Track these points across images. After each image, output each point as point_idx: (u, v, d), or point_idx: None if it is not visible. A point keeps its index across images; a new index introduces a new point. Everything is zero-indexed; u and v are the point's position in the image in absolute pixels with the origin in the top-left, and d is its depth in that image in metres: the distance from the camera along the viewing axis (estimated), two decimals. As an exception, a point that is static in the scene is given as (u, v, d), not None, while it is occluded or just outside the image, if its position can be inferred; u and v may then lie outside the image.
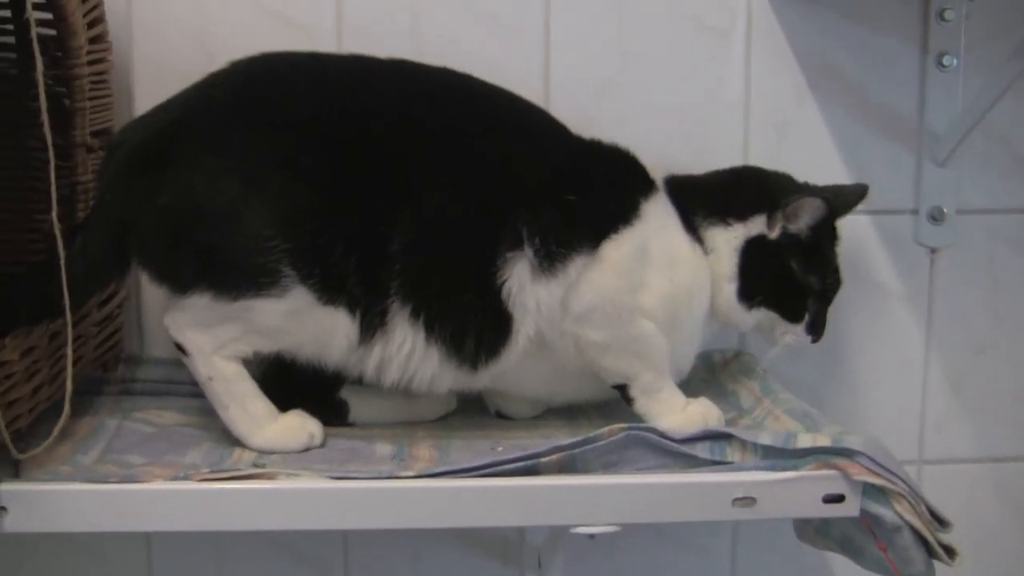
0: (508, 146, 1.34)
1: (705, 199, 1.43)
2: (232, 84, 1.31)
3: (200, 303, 1.26)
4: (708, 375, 1.60)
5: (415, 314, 1.28)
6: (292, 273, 1.24)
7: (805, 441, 1.22)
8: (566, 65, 1.64)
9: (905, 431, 1.75)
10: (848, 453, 1.21)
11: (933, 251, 1.72)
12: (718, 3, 1.64)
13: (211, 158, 1.25)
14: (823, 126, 1.67)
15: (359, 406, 1.42)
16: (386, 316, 1.28)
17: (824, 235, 1.42)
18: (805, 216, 1.39)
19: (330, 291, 1.26)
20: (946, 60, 1.65)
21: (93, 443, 1.32)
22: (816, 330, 1.44)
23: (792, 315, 1.43)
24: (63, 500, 1.17)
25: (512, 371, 1.34)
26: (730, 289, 1.41)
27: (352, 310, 1.27)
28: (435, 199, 1.29)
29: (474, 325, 1.30)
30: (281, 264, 1.24)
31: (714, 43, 1.65)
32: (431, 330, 1.29)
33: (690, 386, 1.47)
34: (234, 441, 1.31)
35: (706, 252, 1.41)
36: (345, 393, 1.41)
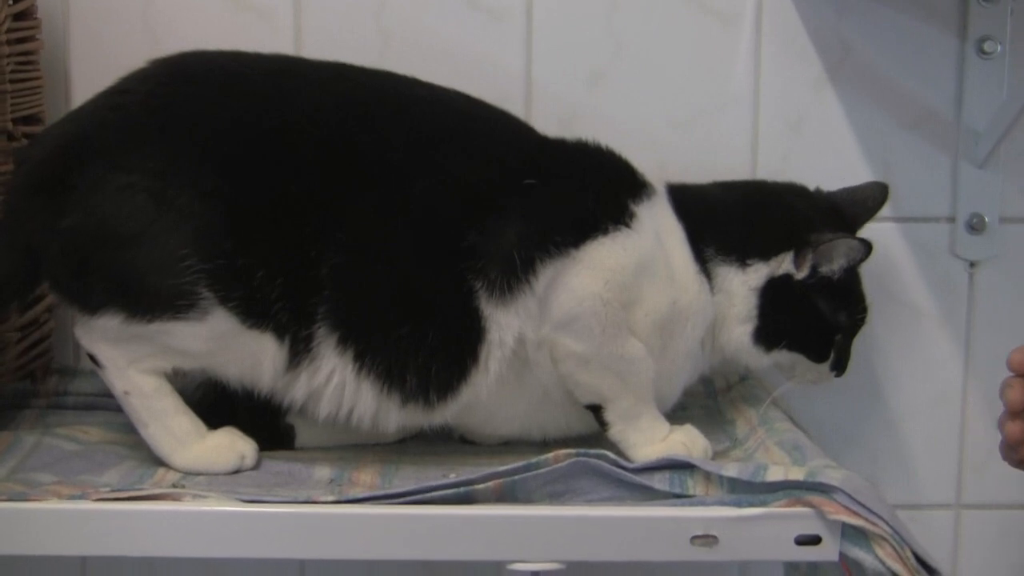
0: (455, 156, 1.33)
1: (719, 231, 1.42)
2: (143, 91, 1.33)
3: (111, 324, 1.28)
4: (709, 401, 1.59)
5: (342, 343, 1.28)
6: (210, 295, 1.25)
7: (776, 474, 1.19)
8: (550, 53, 1.64)
9: (941, 471, 1.72)
10: (824, 489, 1.18)
11: (972, 265, 1.69)
12: (725, -18, 1.64)
13: (118, 174, 1.26)
14: (844, 121, 1.66)
15: (306, 431, 1.42)
16: (311, 343, 1.28)
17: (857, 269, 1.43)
18: (840, 259, 1.39)
19: (254, 315, 1.27)
20: (988, 46, 1.63)
21: (3, 460, 1.33)
22: (841, 366, 1.45)
23: (818, 356, 1.43)
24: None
25: (481, 405, 1.34)
26: (743, 331, 1.41)
27: (280, 335, 1.28)
28: (368, 219, 1.29)
29: (416, 360, 1.29)
30: (198, 286, 1.25)
31: (719, 28, 1.65)
32: (361, 362, 1.28)
33: (689, 412, 1.48)
34: (160, 461, 1.32)
35: (712, 291, 1.40)
36: (292, 417, 1.41)
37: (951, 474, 1.72)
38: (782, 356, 1.43)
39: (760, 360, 1.43)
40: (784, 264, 1.40)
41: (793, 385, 1.46)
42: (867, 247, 1.38)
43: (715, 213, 1.44)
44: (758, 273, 1.40)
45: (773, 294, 1.40)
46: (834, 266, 1.39)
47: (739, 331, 1.41)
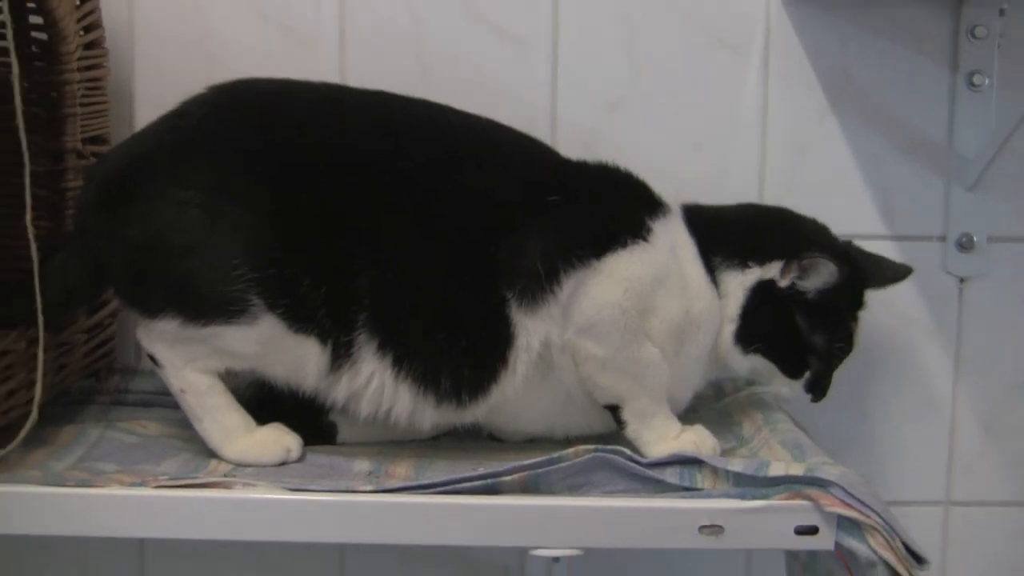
0: (486, 178, 1.35)
1: (727, 240, 1.43)
2: (200, 115, 1.35)
3: (169, 327, 1.30)
4: (718, 404, 1.59)
5: (382, 349, 1.29)
6: (259, 302, 1.27)
7: (777, 469, 1.21)
8: (574, 82, 1.65)
9: (931, 470, 1.72)
10: (821, 483, 1.19)
11: (962, 280, 1.69)
12: (735, 17, 1.65)
13: (177, 191, 1.28)
14: (845, 147, 1.66)
15: (347, 428, 1.43)
16: (352, 348, 1.29)
17: (841, 299, 1.41)
18: (815, 277, 1.38)
19: (300, 321, 1.28)
20: (977, 79, 1.63)
21: (70, 450, 1.36)
22: (816, 390, 1.43)
23: (790, 370, 1.42)
24: (20, 502, 1.21)
25: (509, 404, 1.35)
26: (729, 329, 1.41)
27: (323, 340, 1.29)
28: (405, 234, 1.30)
29: (450, 364, 1.30)
30: (248, 293, 1.27)
31: (730, 59, 1.65)
32: (399, 366, 1.30)
33: (699, 413, 1.48)
34: (212, 453, 1.34)
35: (719, 296, 1.41)
36: (334, 415, 1.42)
37: (940, 473, 1.72)
38: (757, 361, 1.41)
39: (739, 361, 1.42)
40: (772, 270, 1.40)
41: (773, 391, 1.47)
42: (842, 273, 1.37)
43: (727, 225, 1.45)
44: (752, 275, 1.41)
45: (757, 296, 1.40)
46: (809, 283, 1.38)
47: (727, 329, 1.41)
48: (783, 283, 1.39)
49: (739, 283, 1.41)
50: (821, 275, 1.38)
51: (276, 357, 1.31)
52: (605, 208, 1.37)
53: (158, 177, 1.30)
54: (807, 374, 1.42)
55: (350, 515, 1.21)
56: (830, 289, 1.39)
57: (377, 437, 1.42)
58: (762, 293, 1.40)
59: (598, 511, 1.22)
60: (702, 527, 1.20)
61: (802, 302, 1.39)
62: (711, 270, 1.41)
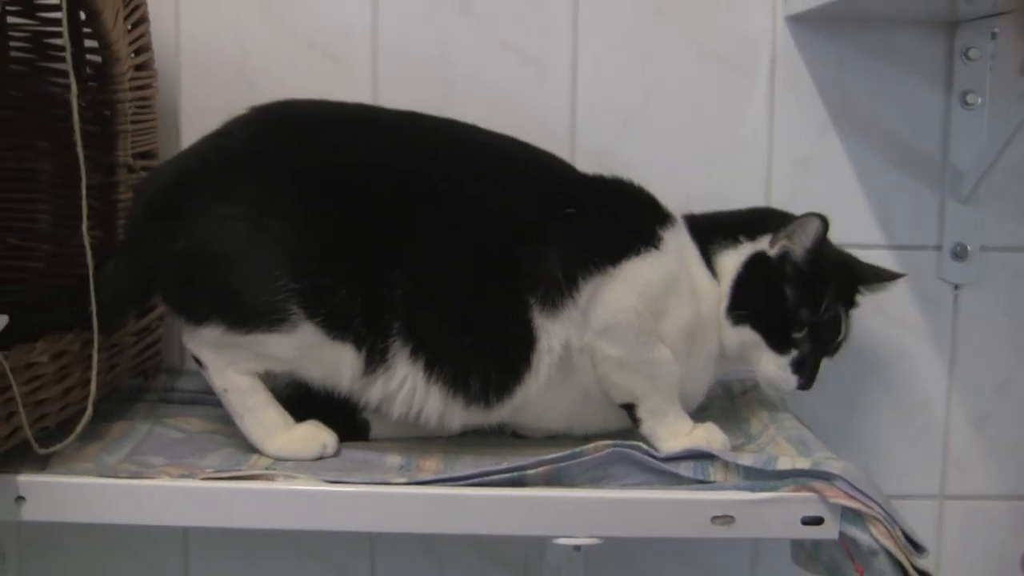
0: (510, 192, 1.36)
1: (722, 228, 1.44)
2: (243, 135, 1.36)
3: (214, 333, 1.31)
4: (727, 402, 1.60)
5: (414, 354, 1.30)
6: (299, 311, 1.28)
7: (785, 463, 1.22)
8: (592, 101, 1.66)
9: (926, 466, 1.72)
10: (826, 476, 1.21)
11: (956, 287, 1.69)
12: (741, 41, 1.65)
13: (222, 206, 1.30)
14: (845, 162, 1.67)
15: (379, 425, 1.44)
16: (387, 354, 1.30)
17: (829, 273, 1.39)
18: (802, 235, 1.37)
19: (337, 328, 1.29)
20: (970, 98, 1.63)
21: (121, 445, 1.37)
22: (803, 371, 1.39)
23: (776, 343, 1.39)
24: (76, 492, 1.23)
25: (532, 404, 1.35)
26: (723, 306, 1.40)
27: (359, 346, 1.30)
28: (436, 248, 1.31)
29: (478, 367, 1.31)
30: (289, 303, 1.28)
31: (737, 79, 1.66)
32: (431, 370, 1.31)
33: (709, 412, 1.48)
34: (253, 448, 1.35)
35: (717, 279, 1.41)
36: (367, 413, 1.43)
37: (935, 468, 1.72)
38: (746, 334, 1.39)
39: (729, 335, 1.40)
40: (763, 243, 1.41)
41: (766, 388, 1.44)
42: (825, 223, 1.35)
43: (722, 218, 1.47)
44: (744, 250, 1.41)
45: (749, 268, 1.40)
46: (796, 244, 1.38)
47: (721, 306, 1.40)
48: (773, 252, 1.40)
49: (732, 260, 1.41)
50: (808, 232, 1.37)
51: (313, 361, 1.32)
52: (619, 219, 1.38)
53: (205, 193, 1.31)
54: (794, 352, 1.38)
55: (386, 505, 1.23)
56: (817, 248, 1.37)
57: (408, 433, 1.42)
58: (753, 265, 1.40)
59: (617, 502, 1.23)
60: (714, 517, 1.21)
61: (793, 271, 1.38)
62: (709, 261, 1.41)
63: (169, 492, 1.23)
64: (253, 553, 1.73)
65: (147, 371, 1.59)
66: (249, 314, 1.29)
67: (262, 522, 1.26)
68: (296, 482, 1.24)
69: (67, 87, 1.43)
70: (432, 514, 1.23)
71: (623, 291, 1.32)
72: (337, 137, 1.36)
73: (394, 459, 1.35)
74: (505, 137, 1.42)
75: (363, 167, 1.33)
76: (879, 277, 1.48)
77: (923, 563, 1.20)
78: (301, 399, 1.39)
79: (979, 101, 1.63)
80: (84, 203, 1.29)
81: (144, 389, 1.58)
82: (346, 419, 1.41)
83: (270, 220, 1.29)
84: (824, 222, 1.36)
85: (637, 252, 1.33)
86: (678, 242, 1.39)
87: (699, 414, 1.41)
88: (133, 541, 1.71)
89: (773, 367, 1.39)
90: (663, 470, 1.25)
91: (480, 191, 1.35)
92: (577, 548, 1.23)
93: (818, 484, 1.20)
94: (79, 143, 1.27)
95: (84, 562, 1.72)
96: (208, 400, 1.53)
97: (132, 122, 1.48)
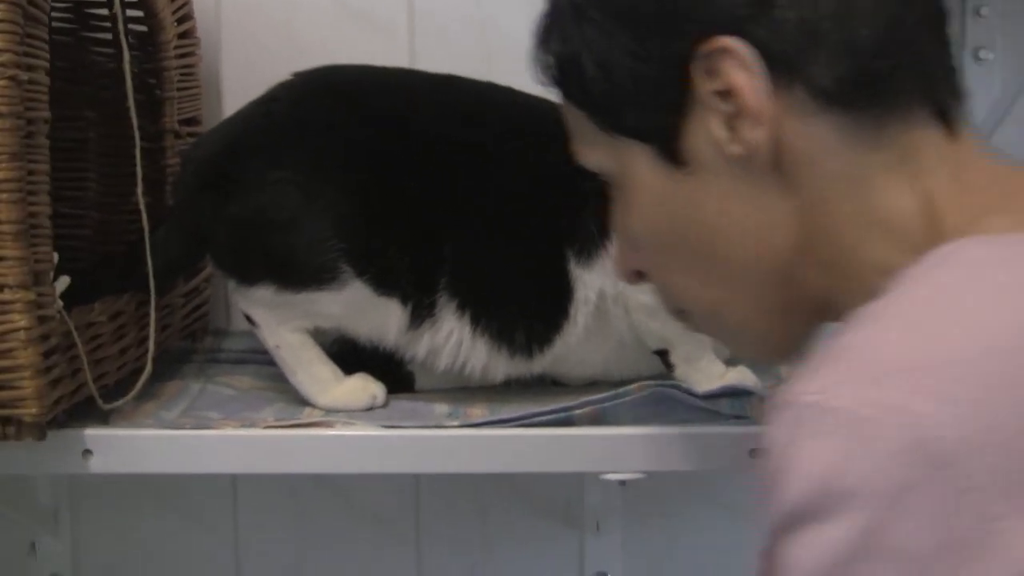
0: (546, 151, 1.35)
1: None
2: (289, 100, 1.39)
3: (266, 293, 1.35)
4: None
5: (461, 308, 1.34)
6: (349, 270, 1.32)
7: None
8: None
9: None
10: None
11: (973, 237, 1.72)
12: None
13: (273, 171, 1.33)
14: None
15: (423, 376, 1.47)
16: (434, 309, 1.34)
17: None
18: None
19: (385, 285, 1.33)
20: (982, 54, 1.66)
21: (176, 403, 1.41)
22: None
23: None
24: (141, 444, 1.27)
25: (572, 353, 1.39)
26: None
27: (404, 301, 1.34)
28: (480, 208, 1.35)
29: (523, 319, 1.35)
30: (339, 262, 1.31)
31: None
32: (477, 323, 1.35)
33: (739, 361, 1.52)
34: (304, 402, 1.39)
35: None
36: (412, 366, 1.46)
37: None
38: None
39: None
40: None
41: None
42: None
43: None
44: None
45: None
46: None
47: None
48: None
49: None
50: None
51: (362, 317, 1.36)
52: None
53: (256, 159, 1.34)
54: None
55: (441, 448, 1.27)
56: None
57: (451, 385, 1.46)
58: None
59: (660, 438, 1.27)
60: (752, 451, 1.25)
61: None
62: None
63: (233, 440, 1.27)
64: (302, 507, 1.78)
65: (195, 332, 1.63)
66: (300, 274, 1.33)
67: (324, 467, 1.30)
68: (355, 427, 1.28)
69: (110, 57, 1.49)
70: (485, 454, 1.27)
71: None
72: (382, 101, 1.40)
73: (442, 407, 1.39)
74: (542, 99, 1.44)
75: (408, 129, 1.36)
76: None
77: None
78: (348, 354, 1.43)
79: (991, 57, 1.65)
80: (139, 169, 1.34)
81: (191, 351, 1.63)
82: (392, 372, 1.45)
83: (320, 184, 1.32)
84: None
85: None
86: None
87: (730, 362, 1.44)
88: (182, 486, 1.76)
89: None
90: (702, 407, 1.29)
91: (520, 150, 1.38)
92: (622, 483, 1.28)
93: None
94: (132, 110, 1.32)
95: (133, 519, 1.78)
96: (256, 359, 1.57)
97: (177, 89, 1.52)
